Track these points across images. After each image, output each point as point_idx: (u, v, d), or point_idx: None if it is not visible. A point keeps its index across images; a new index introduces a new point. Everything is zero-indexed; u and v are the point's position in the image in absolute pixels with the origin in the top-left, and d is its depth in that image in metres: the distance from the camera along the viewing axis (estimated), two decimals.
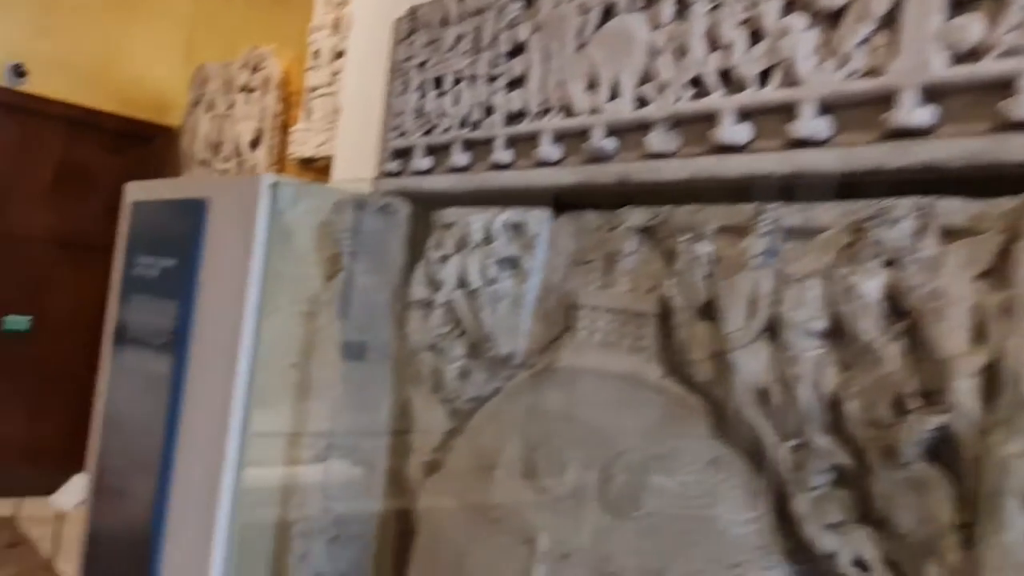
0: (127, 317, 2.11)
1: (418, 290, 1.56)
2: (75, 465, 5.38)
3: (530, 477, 1.20)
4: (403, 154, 1.72)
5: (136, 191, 2.28)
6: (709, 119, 1.15)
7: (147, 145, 5.75)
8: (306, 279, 1.79)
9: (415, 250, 1.65)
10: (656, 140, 1.21)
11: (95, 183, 5.58)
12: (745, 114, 1.12)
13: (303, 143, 4.01)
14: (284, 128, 4.40)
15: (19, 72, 5.12)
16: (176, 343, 1.88)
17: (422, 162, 1.66)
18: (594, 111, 1.32)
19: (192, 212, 1.90)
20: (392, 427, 1.65)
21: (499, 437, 1.29)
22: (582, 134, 1.34)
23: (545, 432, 1.21)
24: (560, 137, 1.39)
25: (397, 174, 1.72)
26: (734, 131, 1.11)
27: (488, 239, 1.43)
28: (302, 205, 1.77)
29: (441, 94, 1.64)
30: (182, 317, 1.87)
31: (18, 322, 5.32)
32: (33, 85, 5.22)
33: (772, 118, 1.09)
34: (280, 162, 4.37)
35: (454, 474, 1.42)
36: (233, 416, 1.69)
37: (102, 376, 2.24)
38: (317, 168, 3.83)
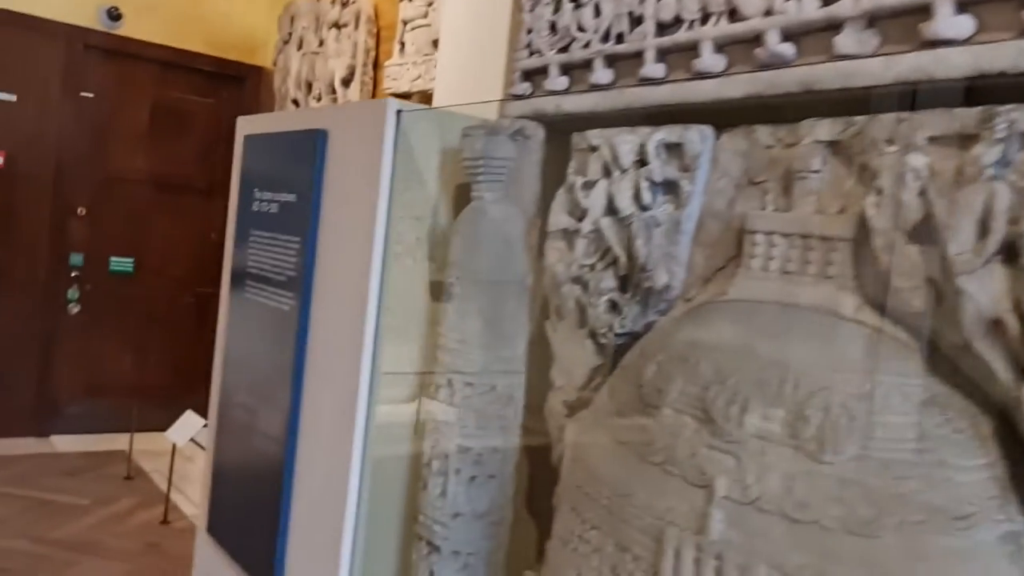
0: (246, 254, 2.08)
1: (559, 219, 1.46)
2: (178, 401, 5.56)
3: (703, 417, 1.11)
4: (535, 75, 1.61)
5: (248, 125, 2.23)
6: (921, 10, 1.00)
7: (238, 86, 5.76)
8: (434, 210, 1.72)
9: (551, 177, 1.55)
10: (849, 40, 1.07)
11: (188, 125, 5.64)
12: (965, 1, 0.97)
13: (397, 78, 3.93)
14: (376, 64, 4.32)
15: (114, 15, 5.15)
16: (299, 279, 1.83)
17: (558, 82, 1.54)
18: (768, 13, 1.18)
19: (312, 143, 1.83)
20: (529, 364, 1.58)
21: (661, 374, 1.20)
22: (752, 40, 1.21)
23: (719, 369, 1.11)
24: (723, 46, 1.26)
25: (528, 96, 1.61)
26: (954, 23, 0.96)
27: (641, 161, 1.32)
28: (429, 132, 1.68)
29: (578, 7, 1.51)
30: (305, 252, 1.82)
31: (122, 264, 5.46)
32: (127, 28, 5.25)
33: (1003, 5, 0.94)
34: (373, 99, 4.30)
35: (605, 413, 1.34)
36: (364, 353, 1.64)
37: (222, 313, 2.23)
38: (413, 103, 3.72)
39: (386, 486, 1.71)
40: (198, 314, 5.77)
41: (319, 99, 4.66)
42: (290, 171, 1.93)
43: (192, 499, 4.34)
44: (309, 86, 4.74)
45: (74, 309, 5.25)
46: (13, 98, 4.95)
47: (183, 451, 5.18)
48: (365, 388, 1.65)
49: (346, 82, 4.43)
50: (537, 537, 1.71)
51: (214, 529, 2.14)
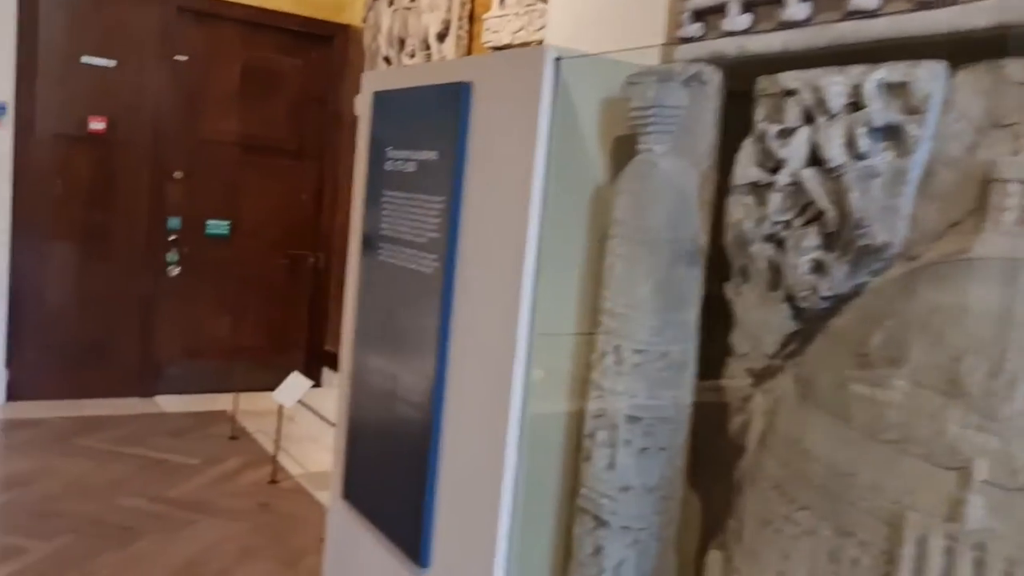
0: (378, 215, 2.01)
1: (747, 171, 1.34)
2: (273, 362, 5.64)
3: (953, 391, 0.98)
4: (708, 14, 1.48)
5: (375, 81, 2.15)
6: None
7: (326, 45, 5.71)
8: (595, 165, 1.61)
9: (730, 125, 1.42)
10: None
11: (277, 86, 5.62)
12: None
13: (498, 30, 3.80)
14: (472, 17, 4.19)
15: None
16: (442, 240, 1.76)
17: (739, 20, 1.41)
18: None
19: (454, 97, 1.74)
20: (705, 329, 1.47)
21: (892, 342, 1.08)
22: None
23: (974, 337, 0.98)
24: None
25: (700, 38, 1.48)
26: None
27: (855, 105, 1.18)
28: (589, 81, 1.57)
29: None
30: (449, 212, 1.74)
31: (219, 226, 5.51)
32: None
33: None
34: (470, 54, 4.19)
35: (810, 384, 1.22)
36: (521, 316, 1.55)
37: (351, 275, 2.18)
38: None
39: (542, 457, 1.63)
40: (291, 276, 5.81)
41: (412, 56, 4.56)
42: (429, 128, 1.84)
43: (297, 459, 4.40)
44: (401, 43, 4.65)
45: (173, 272, 5.34)
46: (113, 64, 5.00)
47: (285, 412, 5.26)
48: (522, 353, 1.57)
49: (441, 37, 4.32)
50: (703, 513, 1.62)
51: (352, 495, 2.11)
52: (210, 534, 3.42)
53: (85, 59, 4.92)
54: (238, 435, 4.74)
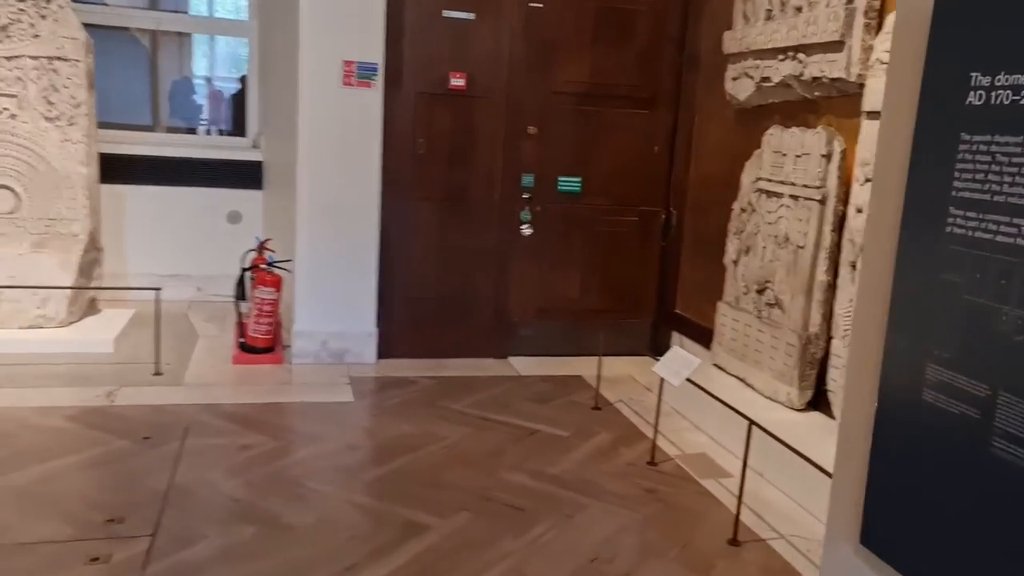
0: (949, 171, 1.44)
1: None
2: (621, 325, 5.30)
3: None
4: None
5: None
6: None
7: None
8: None
9: None
10: None
11: (631, 29, 5.17)
12: None
13: None
14: None
15: None
16: None
17: None
18: None
19: None
20: None
21: None
22: None
23: None
24: None
25: None
26: None
27: None
28: None
29: None
30: None
31: (570, 183, 5.24)
32: None
33: None
34: None
35: None
36: None
37: (877, 246, 1.63)
38: None
39: None
40: (641, 235, 5.41)
41: None
42: None
43: (668, 437, 4.01)
44: None
45: (527, 232, 5.16)
46: (472, 16, 4.84)
47: (638, 379, 4.92)
48: None
49: None
50: None
51: (881, 544, 1.59)
52: (605, 524, 3.12)
53: (447, 13, 4.81)
54: (600, 405, 4.46)
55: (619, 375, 4.99)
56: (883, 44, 3.32)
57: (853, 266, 3.48)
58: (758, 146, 4.52)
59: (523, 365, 5.14)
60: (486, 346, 5.24)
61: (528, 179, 5.14)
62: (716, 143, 4.99)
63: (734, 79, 4.58)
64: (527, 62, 5.00)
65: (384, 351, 4.99)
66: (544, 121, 5.11)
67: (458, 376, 4.81)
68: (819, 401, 3.89)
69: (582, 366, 5.04)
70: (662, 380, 3.65)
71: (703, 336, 4.99)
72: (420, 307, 5.08)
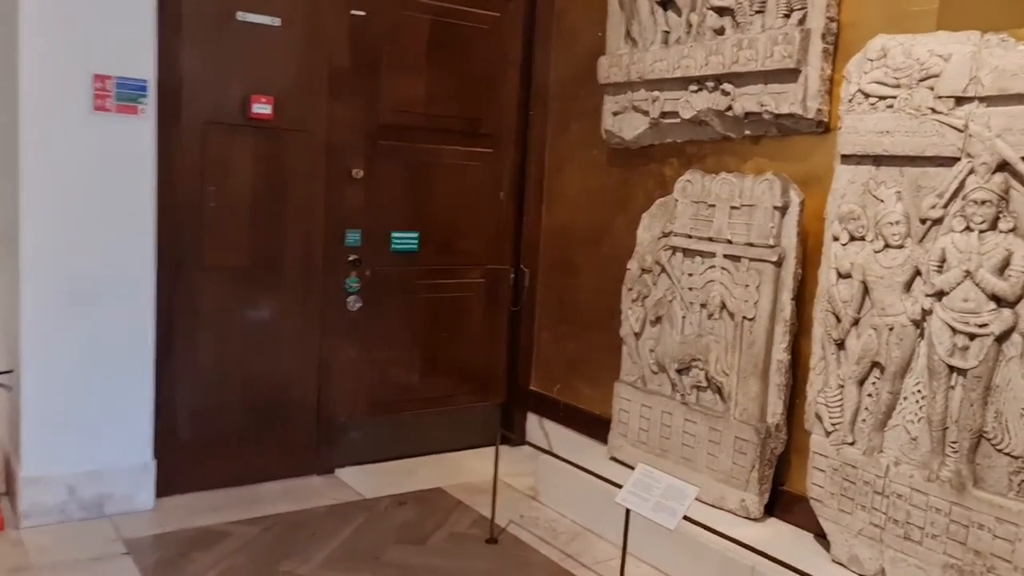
0: None
1: None
2: (474, 410, 4.26)
3: None
4: None
5: None
6: None
7: None
8: None
9: None
10: None
11: (470, 55, 4.23)
12: None
13: None
14: None
15: None
16: None
17: None
18: None
19: None
20: None
21: None
22: None
23: None
24: None
25: None
26: None
27: None
28: None
29: None
30: None
31: (406, 239, 4.16)
32: None
33: None
34: None
35: None
36: None
37: None
38: None
39: None
40: (489, 299, 4.45)
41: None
42: None
43: None
44: None
45: (355, 304, 3.96)
46: (277, 22, 3.58)
47: (513, 484, 3.85)
48: None
49: None
50: None
51: None
52: None
53: (242, 16, 3.50)
54: (494, 534, 3.39)
55: (484, 480, 3.94)
56: (869, 74, 2.70)
57: (839, 344, 2.81)
58: (645, 193, 3.78)
59: (360, 480, 3.90)
60: (307, 460, 3.93)
61: (354, 236, 3.95)
62: (581, 189, 4.19)
63: (616, 114, 3.80)
64: (351, 85, 3.83)
65: (166, 487, 3.49)
66: (372, 161, 3.96)
67: (284, 513, 3.47)
68: (773, 505, 3.18)
69: (434, 471, 3.99)
70: (627, 513, 2.69)
71: (580, 421, 4.14)
72: (215, 419, 3.65)
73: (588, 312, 4.14)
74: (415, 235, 4.13)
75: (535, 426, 4.48)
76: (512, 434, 4.45)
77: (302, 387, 3.88)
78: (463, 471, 4.09)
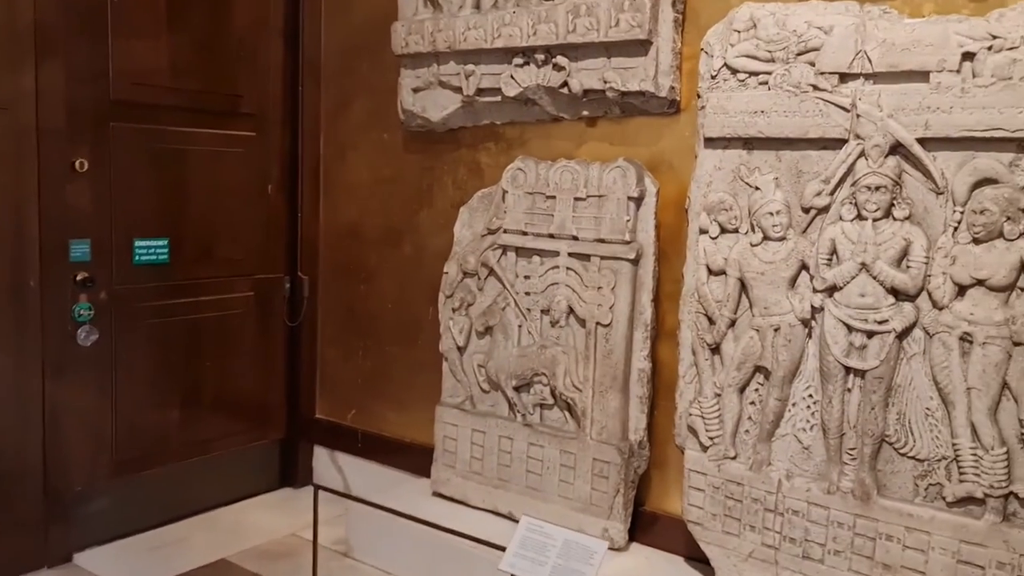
0: None
1: None
2: (249, 451, 3.53)
3: None
4: None
5: None
6: None
7: None
8: None
9: None
10: None
11: (224, 16, 3.43)
12: None
13: None
14: None
15: None
16: None
17: None
18: None
19: None
20: None
21: None
22: None
23: None
24: None
25: None
26: None
27: None
28: None
29: None
30: None
31: (153, 249, 3.29)
32: None
33: None
34: None
35: None
36: None
37: None
38: None
39: None
40: (261, 315, 3.67)
41: None
42: None
43: None
44: None
45: (88, 337, 3.01)
46: None
47: (314, 540, 3.14)
48: None
49: None
50: None
51: None
52: None
53: None
54: None
55: (275, 540, 3.24)
56: (736, 47, 2.42)
57: (714, 349, 2.53)
58: (456, 184, 3.29)
59: (109, 566, 2.99)
60: (33, 548, 2.93)
61: (82, 249, 2.99)
62: (372, 180, 3.56)
63: (417, 90, 3.23)
64: (66, 49, 2.86)
65: None
66: (102, 149, 3.02)
67: None
68: (633, 528, 2.86)
69: (209, 536, 3.25)
70: None
71: (386, 452, 3.56)
72: None
73: (388, 324, 3.54)
74: (164, 242, 3.24)
75: (325, 463, 3.79)
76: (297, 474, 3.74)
77: (20, 451, 2.86)
78: (246, 531, 3.31)
